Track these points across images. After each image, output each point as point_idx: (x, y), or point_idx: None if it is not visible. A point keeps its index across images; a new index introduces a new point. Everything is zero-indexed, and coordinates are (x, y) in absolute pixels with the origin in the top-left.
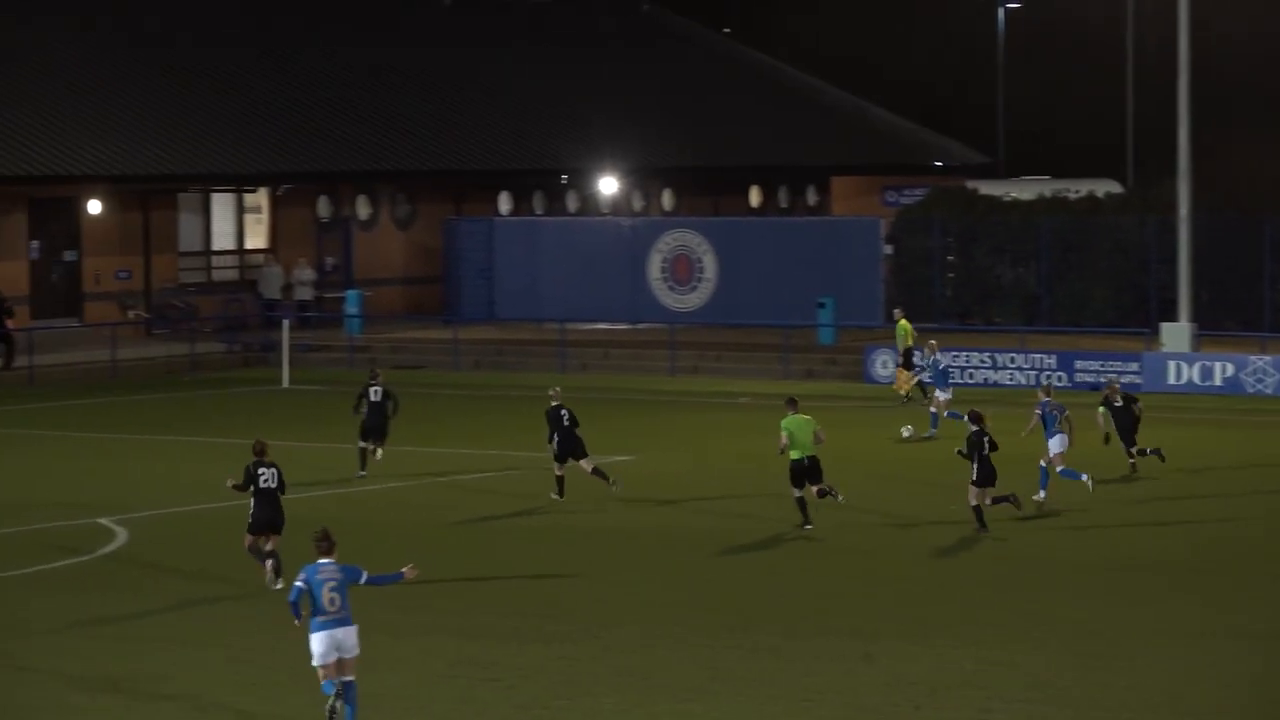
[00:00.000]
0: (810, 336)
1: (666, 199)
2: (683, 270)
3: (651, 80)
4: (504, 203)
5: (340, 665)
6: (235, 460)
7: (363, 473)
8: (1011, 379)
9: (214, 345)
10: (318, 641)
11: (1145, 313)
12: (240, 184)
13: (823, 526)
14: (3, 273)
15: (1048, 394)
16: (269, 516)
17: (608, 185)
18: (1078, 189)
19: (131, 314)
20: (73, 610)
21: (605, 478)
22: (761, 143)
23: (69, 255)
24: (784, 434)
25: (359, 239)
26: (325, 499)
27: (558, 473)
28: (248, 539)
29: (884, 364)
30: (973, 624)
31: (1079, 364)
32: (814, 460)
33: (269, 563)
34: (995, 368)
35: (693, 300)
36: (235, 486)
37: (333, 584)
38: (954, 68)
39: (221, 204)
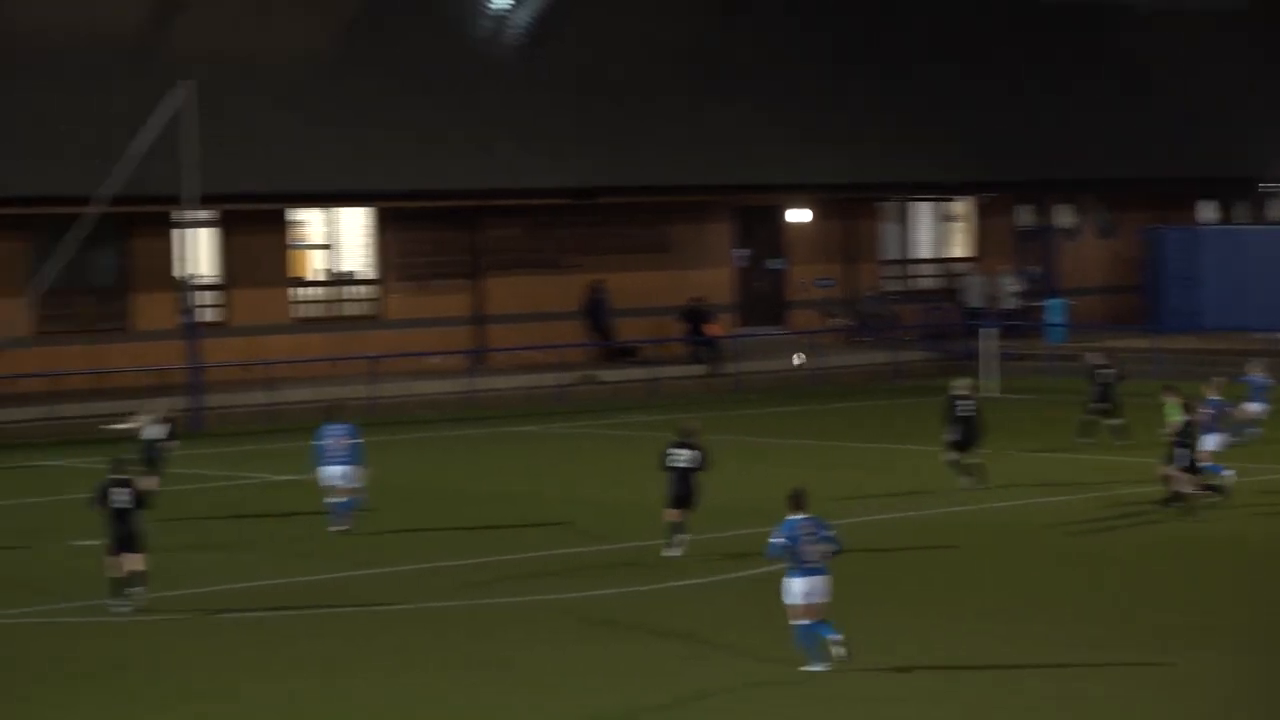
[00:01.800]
0: None
1: None
2: None
3: None
4: (1205, 211)
5: (816, 608)
6: (920, 467)
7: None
8: None
9: (915, 353)
10: (799, 584)
11: None
12: (941, 193)
13: None
14: (707, 280)
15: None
16: (676, 493)
17: None
18: None
19: (833, 322)
20: (744, 615)
21: (970, 475)
22: None
23: (775, 263)
24: None
25: (1061, 247)
26: (972, 513)
27: (949, 458)
28: (665, 513)
29: None
30: None
31: None
32: None
33: (676, 536)
34: None
35: None
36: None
37: (810, 538)
38: None
39: (922, 213)
